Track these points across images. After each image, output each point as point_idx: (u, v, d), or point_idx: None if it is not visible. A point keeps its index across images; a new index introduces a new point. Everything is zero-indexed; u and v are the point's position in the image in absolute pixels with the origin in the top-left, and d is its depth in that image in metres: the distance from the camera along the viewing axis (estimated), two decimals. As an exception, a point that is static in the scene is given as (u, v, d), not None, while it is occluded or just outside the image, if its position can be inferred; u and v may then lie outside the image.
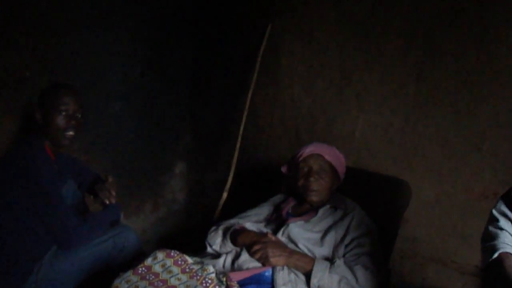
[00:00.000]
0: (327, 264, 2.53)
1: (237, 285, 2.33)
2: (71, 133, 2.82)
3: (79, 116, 2.86)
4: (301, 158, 2.92)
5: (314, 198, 2.88)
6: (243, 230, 2.79)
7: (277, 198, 3.18)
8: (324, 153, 2.90)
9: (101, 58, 3.88)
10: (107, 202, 2.97)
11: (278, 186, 3.30)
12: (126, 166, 4.27)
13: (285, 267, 2.53)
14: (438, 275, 3.20)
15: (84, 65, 3.73)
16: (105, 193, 2.99)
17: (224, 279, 2.34)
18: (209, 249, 2.80)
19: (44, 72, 3.44)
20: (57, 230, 2.66)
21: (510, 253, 1.95)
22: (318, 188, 2.86)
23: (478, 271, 3.02)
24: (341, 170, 2.97)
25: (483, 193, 2.98)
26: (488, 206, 2.87)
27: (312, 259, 2.56)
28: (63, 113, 2.78)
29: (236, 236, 2.72)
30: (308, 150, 2.91)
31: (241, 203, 3.23)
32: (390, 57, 3.30)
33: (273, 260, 2.53)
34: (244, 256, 2.60)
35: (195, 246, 2.91)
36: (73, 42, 3.62)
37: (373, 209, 2.91)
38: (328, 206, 2.88)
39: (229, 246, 2.72)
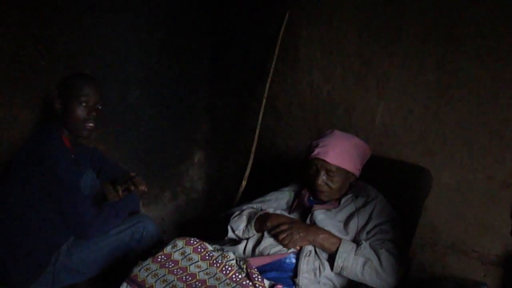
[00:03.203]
0: (353, 245, 2.53)
1: (257, 272, 2.34)
2: (91, 124, 2.84)
3: (99, 107, 2.86)
4: (310, 157, 2.85)
5: (323, 197, 2.87)
6: (271, 213, 2.78)
7: (297, 184, 3.16)
8: (331, 158, 2.77)
9: (117, 46, 3.88)
10: (143, 188, 3.05)
11: (298, 173, 3.27)
12: (145, 155, 4.28)
13: (312, 253, 2.53)
14: (458, 264, 3.18)
15: (100, 53, 3.74)
16: (138, 180, 3.07)
17: (245, 266, 2.35)
18: (230, 234, 2.79)
19: (60, 62, 3.45)
20: (74, 220, 2.67)
21: None
22: (326, 189, 2.83)
23: (499, 260, 2.98)
24: (354, 167, 2.86)
25: (505, 181, 2.94)
26: (510, 194, 2.85)
27: (339, 239, 2.55)
28: (84, 104, 2.79)
29: (265, 220, 2.70)
30: (316, 151, 2.81)
31: (260, 191, 3.22)
32: (410, 43, 3.25)
33: (298, 239, 2.53)
34: (266, 241, 2.60)
35: (214, 234, 2.91)
36: (89, 31, 3.62)
37: (393, 197, 2.89)
38: (350, 195, 2.87)
39: (252, 232, 2.71)
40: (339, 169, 2.80)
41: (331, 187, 2.81)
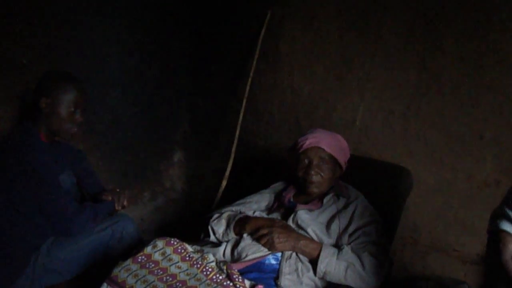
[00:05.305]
0: (335, 250, 2.53)
1: (238, 273, 2.32)
2: (75, 129, 2.85)
3: (84, 112, 2.86)
4: (301, 150, 2.87)
5: (314, 189, 2.86)
6: (250, 217, 2.79)
7: (278, 185, 3.15)
8: (324, 145, 2.83)
9: (99, 45, 3.85)
10: (118, 208, 3.02)
11: (278, 173, 3.27)
12: (124, 154, 4.25)
13: (293, 255, 2.53)
14: (439, 263, 3.20)
15: (81, 52, 3.71)
16: (117, 198, 3.04)
17: (225, 267, 2.34)
18: (212, 237, 2.78)
19: (42, 60, 3.42)
20: (56, 217, 2.65)
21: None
22: (318, 180, 2.83)
23: (480, 259, 3.00)
24: (343, 159, 2.92)
25: (485, 181, 2.97)
26: (490, 194, 2.87)
27: (320, 245, 2.55)
28: (71, 109, 2.79)
29: (244, 223, 2.70)
30: (308, 142, 2.85)
31: (240, 191, 3.21)
32: (392, 44, 3.27)
33: (278, 245, 2.53)
34: (244, 242, 2.59)
35: (194, 235, 2.90)
36: (71, 29, 3.59)
37: (374, 197, 2.89)
38: (332, 194, 2.86)
39: (232, 235, 2.70)
40: (331, 158, 2.85)
41: (322, 177, 2.83)
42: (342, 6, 3.50)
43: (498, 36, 2.88)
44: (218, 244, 2.72)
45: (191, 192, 4.88)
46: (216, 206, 3.85)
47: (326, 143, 2.84)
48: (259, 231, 2.60)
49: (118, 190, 3.13)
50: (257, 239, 2.58)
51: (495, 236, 1.96)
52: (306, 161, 2.85)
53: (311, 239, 2.60)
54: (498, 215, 1.98)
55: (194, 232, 2.94)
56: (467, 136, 3.02)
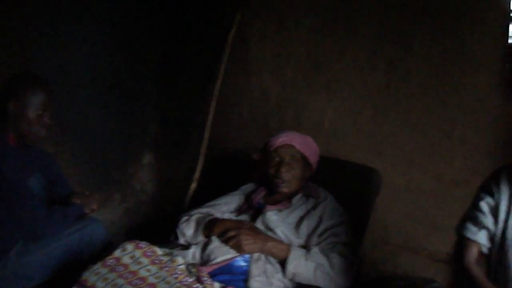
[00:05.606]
0: (303, 251, 2.53)
1: (208, 275, 2.32)
2: (44, 132, 2.82)
3: (53, 115, 2.83)
4: (272, 148, 2.89)
5: (284, 189, 2.86)
6: (219, 219, 2.78)
7: (248, 187, 3.15)
8: (296, 143, 2.87)
9: (67, 44, 3.80)
10: (87, 211, 2.97)
11: (248, 175, 3.27)
12: (93, 156, 4.21)
13: (262, 257, 2.52)
14: (410, 262, 3.22)
15: (49, 51, 3.66)
16: (86, 201, 3.00)
17: (194, 270, 2.34)
18: (181, 240, 2.77)
19: (9, 62, 3.37)
20: (25, 221, 2.63)
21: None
22: (288, 178, 2.84)
23: (449, 258, 3.03)
24: (313, 159, 2.94)
25: (454, 180, 3.00)
26: (458, 193, 2.90)
27: (288, 246, 2.55)
28: (40, 112, 2.75)
29: (213, 226, 2.70)
30: (280, 140, 2.88)
31: (211, 193, 3.20)
32: (360, 45, 3.29)
33: (246, 247, 2.52)
34: (212, 245, 2.58)
35: (165, 237, 2.89)
36: (37, 28, 3.55)
37: (343, 198, 2.90)
38: (301, 194, 2.87)
39: (201, 237, 2.69)
40: (302, 157, 2.87)
41: (293, 175, 2.84)
42: (312, 8, 3.51)
43: (465, 37, 2.91)
44: (187, 246, 2.71)
45: (161, 194, 4.85)
46: (186, 208, 3.83)
47: (297, 142, 2.87)
48: (227, 233, 2.60)
49: (87, 193, 3.11)
50: (225, 241, 2.58)
51: (460, 241, 2.00)
52: (277, 159, 2.87)
53: (279, 241, 2.60)
54: (466, 218, 2.01)
55: (164, 234, 2.93)
56: (436, 136, 3.04)
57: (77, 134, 4.02)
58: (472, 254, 1.94)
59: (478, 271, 1.90)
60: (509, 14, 2.85)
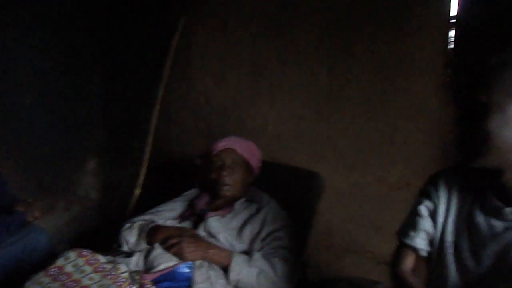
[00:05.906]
0: (246, 257, 2.53)
1: (151, 283, 2.32)
2: None
3: None
4: (214, 152, 2.91)
5: (227, 192, 2.86)
6: (161, 226, 2.76)
7: (191, 193, 3.14)
8: (237, 147, 2.90)
9: (10, 50, 3.75)
10: (30, 219, 2.92)
11: (192, 181, 3.26)
12: (37, 163, 4.15)
13: (205, 264, 2.51)
14: (354, 265, 3.26)
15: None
16: (29, 209, 2.95)
17: (138, 277, 2.32)
18: (124, 247, 2.74)
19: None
20: None
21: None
22: (230, 182, 2.85)
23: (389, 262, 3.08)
24: (255, 164, 2.97)
25: (396, 184, 3.04)
26: (401, 196, 2.95)
27: (230, 253, 2.55)
28: None
29: (155, 233, 2.68)
30: (221, 144, 2.91)
31: (155, 198, 3.18)
32: (303, 49, 3.31)
33: (188, 255, 2.50)
34: (155, 252, 2.57)
35: (109, 245, 2.86)
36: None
37: (286, 202, 2.91)
38: (243, 199, 2.88)
39: (144, 245, 2.67)
40: (244, 161, 2.90)
41: (235, 180, 2.86)
42: (255, 12, 3.53)
43: (407, 42, 2.97)
44: (130, 254, 2.68)
45: (106, 201, 4.80)
46: (130, 215, 3.80)
47: (239, 146, 2.91)
48: (168, 240, 2.59)
49: (30, 200, 3.06)
50: (167, 248, 2.57)
51: (399, 247, 2.04)
52: (219, 163, 2.88)
53: (221, 248, 2.60)
54: (406, 224, 2.04)
55: (108, 242, 2.90)
56: (378, 140, 3.09)
57: (20, 140, 3.96)
58: (408, 261, 1.98)
59: (412, 279, 1.94)
60: (449, 21, 2.92)
